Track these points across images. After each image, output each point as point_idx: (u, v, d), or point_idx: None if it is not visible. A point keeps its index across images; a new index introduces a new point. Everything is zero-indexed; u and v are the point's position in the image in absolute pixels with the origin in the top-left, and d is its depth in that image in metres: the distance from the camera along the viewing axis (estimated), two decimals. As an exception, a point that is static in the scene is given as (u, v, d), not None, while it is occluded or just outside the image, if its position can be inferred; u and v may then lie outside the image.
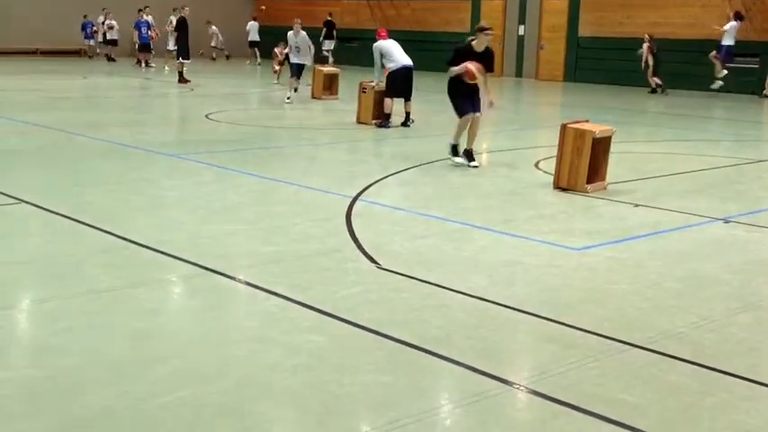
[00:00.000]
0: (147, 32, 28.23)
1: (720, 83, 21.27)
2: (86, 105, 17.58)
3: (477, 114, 10.40)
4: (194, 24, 23.34)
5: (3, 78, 22.35)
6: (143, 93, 21.53)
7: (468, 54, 10.35)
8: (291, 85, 18.16)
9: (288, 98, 17.84)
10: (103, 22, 31.11)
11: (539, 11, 27.40)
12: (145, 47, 28.47)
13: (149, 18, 28.46)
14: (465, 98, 10.44)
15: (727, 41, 21.26)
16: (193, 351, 4.51)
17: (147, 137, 12.53)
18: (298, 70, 18.14)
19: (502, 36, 28.38)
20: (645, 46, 22.56)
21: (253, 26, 32.48)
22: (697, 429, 3.77)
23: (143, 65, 28.24)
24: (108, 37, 30.94)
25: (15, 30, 30.88)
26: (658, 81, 22.58)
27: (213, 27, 32.62)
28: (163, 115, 17.07)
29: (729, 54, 21.33)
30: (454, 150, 10.48)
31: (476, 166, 10.25)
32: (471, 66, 10.12)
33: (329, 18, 31.03)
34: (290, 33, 18.30)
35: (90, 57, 31.82)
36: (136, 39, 28.65)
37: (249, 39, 32.23)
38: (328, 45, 30.55)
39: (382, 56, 14.39)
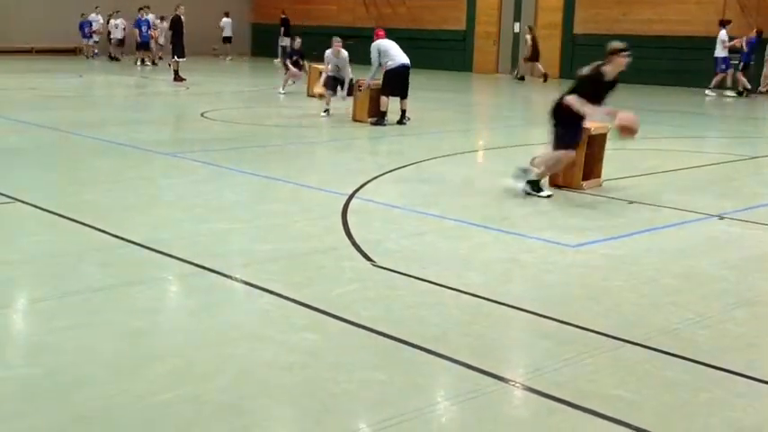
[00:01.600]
0: (148, 31, 28.22)
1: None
2: (82, 104, 17.56)
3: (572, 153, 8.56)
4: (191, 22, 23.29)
5: (-2, 77, 22.32)
6: (139, 91, 21.51)
7: (599, 84, 8.44)
8: (327, 99, 15.77)
9: (325, 111, 15.53)
10: (108, 22, 30.98)
11: (534, 8, 27.41)
12: (143, 45, 28.47)
13: (150, 17, 28.47)
14: (578, 129, 8.58)
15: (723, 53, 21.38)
16: (190, 349, 4.51)
17: (143, 135, 12.52)
18: (334, 83, 15.69)
19: (497, 34, 28.40)
20: (528, 37, 25.27)
21: (226, 23, 32.43)
22: (692, 426, 3.79)
23: (139, 63, 28.25)
24: (112, 36, 30.84)
25: (10, 28, 30.82)
26: (521, 71, 25.80)
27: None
28: (158, 114, 17.05)
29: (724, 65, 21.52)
30: (535, 186, 8.50)
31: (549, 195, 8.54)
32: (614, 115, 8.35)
33: (284, 16, 32.07)
34: (328, 52, 15.64)
35: (87, 57, 31.56)
36: (137, 37, 28.63)
37: (223, 35, 32.37)
38: (284, 42, 31.50)
39: (380, 54, 14.38)
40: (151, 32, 28.48)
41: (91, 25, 31.40)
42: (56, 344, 4.53)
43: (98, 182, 9.01)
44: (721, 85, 21.56)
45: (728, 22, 21.42)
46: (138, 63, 28.21)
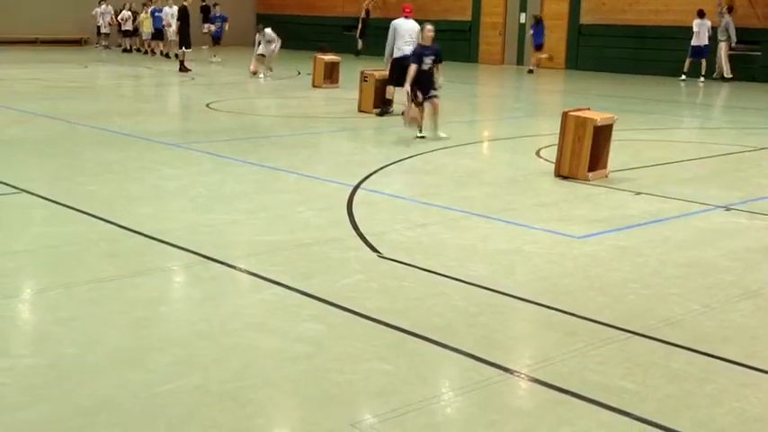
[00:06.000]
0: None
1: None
2: (87, 95, 17.56)
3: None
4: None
5: (3, 68, 22.32)
6: (144, 82, 21.51)
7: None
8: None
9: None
10: (134, 12, 30.47)
11: (540, -2, 27.29)
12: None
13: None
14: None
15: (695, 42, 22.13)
16: (194, 340, 4.52)
17: (148, 126, 12.52)
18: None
19: (503, 24, 28.31)
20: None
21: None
22: (697, 416, 3.78)
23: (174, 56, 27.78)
24: (124, 28, 30.43)
25: (15, 19, 30.79)
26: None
27: (101, 8, 31.07)
28: (164, 104, 17.05)
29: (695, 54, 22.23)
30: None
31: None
32: None
33: (204, 3, 31.08)
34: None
35: (133, 50, 30.43)
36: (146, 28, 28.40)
37: (99, 24, 31.59)
38: (206, 28, 30.73)
39: (394, 36, 13.76)
40: (163, 23, 27.95)
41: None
42: (60, 334, 4.54)
43: (103, 172, 9.01)
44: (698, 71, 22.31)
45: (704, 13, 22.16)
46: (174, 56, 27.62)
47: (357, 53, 28.34)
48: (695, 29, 21.87)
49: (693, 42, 22.03)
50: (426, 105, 11.27)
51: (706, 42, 21.89)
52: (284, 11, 33.43)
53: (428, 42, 10.94)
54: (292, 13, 33.25)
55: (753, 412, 3.81)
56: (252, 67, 21.11)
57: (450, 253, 6.21)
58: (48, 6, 31.26)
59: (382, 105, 14.30)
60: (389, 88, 14.16)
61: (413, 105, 11.02)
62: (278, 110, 15.71)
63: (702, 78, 22.05)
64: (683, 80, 22.00)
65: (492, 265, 5.96)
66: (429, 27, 11.04)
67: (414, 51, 10.84)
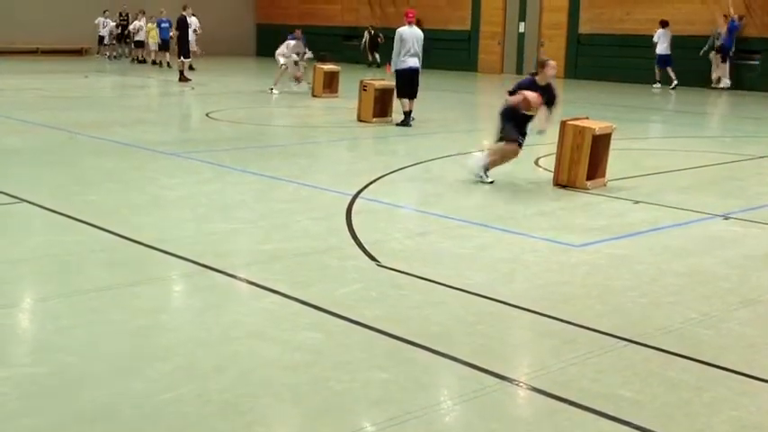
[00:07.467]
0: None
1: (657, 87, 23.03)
2: (87, 104, 17.58)
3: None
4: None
5: (3, 78, 22.35)
6: (144, 92, 21.56)
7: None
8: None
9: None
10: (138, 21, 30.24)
11: (539, 8, 27.38)
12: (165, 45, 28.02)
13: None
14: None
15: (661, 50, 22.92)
16: (194, 348, 4.53)
17: (148, 136, 12.55)
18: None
19: (502, 34, 28.39)
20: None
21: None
22: (695, 424, 3.79)
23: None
24: (136, 38, 30.27)
25: (15, 29, 30.86)
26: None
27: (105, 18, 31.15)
28: (164, 114, 17.08)
29: (663, 62, 22.94)
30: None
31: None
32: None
33: (193, 14, 31.16)
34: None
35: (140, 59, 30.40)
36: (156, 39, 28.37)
37: (100, 34, 31.54)
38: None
39: (400, 45, 13.81)
40: (171, 33, 27.82)
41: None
42: (61, 343, 4.55)
43: (103, 182, 9.03)
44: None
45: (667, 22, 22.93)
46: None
47: (378, 65, 29.06)
48: (658, 38, 22.64)
49: (662, 51, 22.68)
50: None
51: (669, 51, 22.65)
52: (284, 20, 33.52)
53: (543, 82, 9.07)
54: (292, 23, 33.33)
55: (750, 421, 3.83)
56: (298, 74, 20.53)
57: (449, 261, 6.23)
58: (48, 16, 31.33)
59: (404, 117, 14.16)
60: (404, 101, 14.08)
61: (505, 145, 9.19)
62: (277, 119, 15.74)
63: (659, 85, 22.96)
64: (658, 88, 22.85)
65: (490, 273, 5.98)
66: (552, 64, 9.22)
67: (522, 84, 9.15)
